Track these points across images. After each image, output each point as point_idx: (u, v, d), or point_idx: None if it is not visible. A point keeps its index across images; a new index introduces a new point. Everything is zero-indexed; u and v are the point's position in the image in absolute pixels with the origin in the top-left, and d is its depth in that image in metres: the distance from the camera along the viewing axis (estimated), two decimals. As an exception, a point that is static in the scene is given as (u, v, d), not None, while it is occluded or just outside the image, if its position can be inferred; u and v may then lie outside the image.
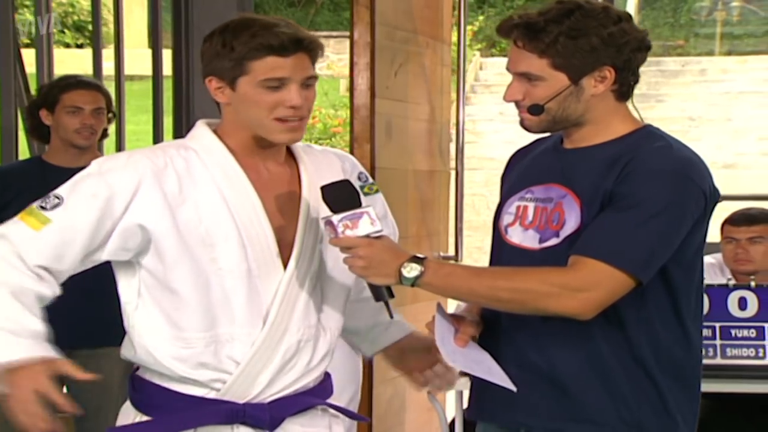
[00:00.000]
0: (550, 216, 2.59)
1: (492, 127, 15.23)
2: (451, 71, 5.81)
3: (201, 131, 2.61)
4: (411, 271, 2.46)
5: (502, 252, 2.67)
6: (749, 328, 4.17)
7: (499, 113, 15.10)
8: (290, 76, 2.51)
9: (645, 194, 2.49)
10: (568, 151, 2.65)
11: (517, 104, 2.61)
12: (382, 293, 2.51)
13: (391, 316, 2.54)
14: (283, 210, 2.58)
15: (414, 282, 2.47)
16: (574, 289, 2.47)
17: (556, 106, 2.57)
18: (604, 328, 2.53)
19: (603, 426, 2.57)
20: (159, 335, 2.53)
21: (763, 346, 4.16)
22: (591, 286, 2.47)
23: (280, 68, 2.51)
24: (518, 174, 2.74)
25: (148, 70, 6.08)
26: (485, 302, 2.56)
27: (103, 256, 2.53)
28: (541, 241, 2.60)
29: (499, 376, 2.54)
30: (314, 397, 2.64)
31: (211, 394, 2.54)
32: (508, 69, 2.62)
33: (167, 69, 5.80)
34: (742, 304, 4.18)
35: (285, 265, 2.55)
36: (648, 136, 2.60)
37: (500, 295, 2.50)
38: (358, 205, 2.48)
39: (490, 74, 16.94)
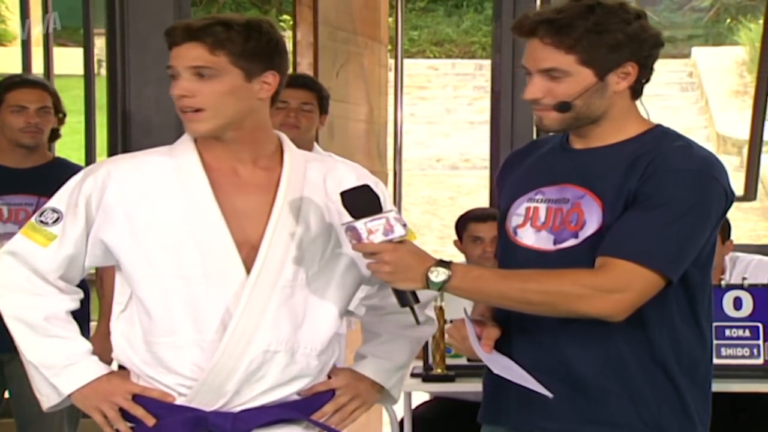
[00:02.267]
0: (567, 217, 2.56)
1: (403, 128, 15.27)
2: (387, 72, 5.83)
3: (184, 135, 2.58)
4: (438, 275, 2.43)
5: (514, 254, 2.63)
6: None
7: (410, 114, 15.13)
8: (175, 65, 2.49)
9: (671, 194, 2.48)
10: (580, 151, 2.63)
11: (536, 102, 2.57)
12: (407, 299, 2.47)
13: (418, 322, 2.51)
14: (253, 215, 2.52)
15: (441, 286, 2.43)
16: (606, 290, 2.45)
17: (581, 103, 2.55)
18: (625, 329, 2.51)
19: (623, 428, 2.55)
20: (133, 337, 2.54)
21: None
22: (623, 287, 2.45)
23: (171, 58, 2.50)
24: (522, 175, 2.70)
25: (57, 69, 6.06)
26: (515, 305, 2.51)
27: (88, 262, 2.58)
28: (555, 242, 2.57)
29: (533, 383, 2.52)
30: (294, 410, 2.57)
31: (180, 400, 2.52)
32: (525, 66, 2.58)
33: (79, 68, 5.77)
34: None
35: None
36: (664, 135, 2.60)
37: (531, 298, 2.47)
38: (380, 209, 2.43)
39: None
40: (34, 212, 4.29)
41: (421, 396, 4.81)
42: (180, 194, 2.51)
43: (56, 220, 2.54)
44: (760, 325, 4.09)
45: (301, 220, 2.55)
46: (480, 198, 12.34)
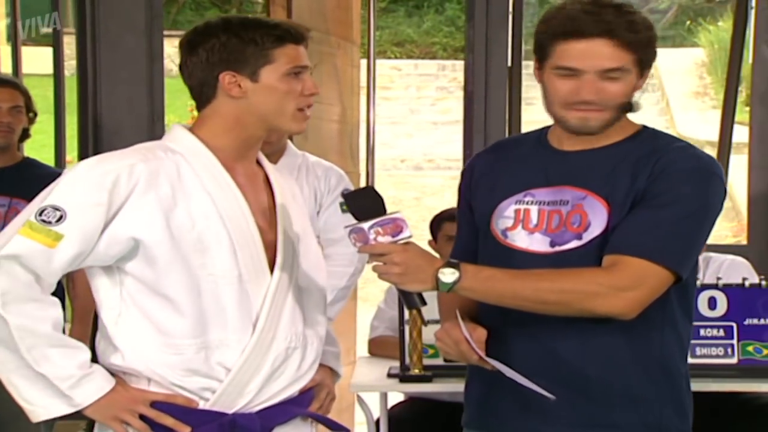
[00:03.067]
0: (568, 218, 2.54)
1: (375, 128, 15.26)
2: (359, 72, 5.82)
3: (181, 134, 2.53)
4: (449, 275, 2.41)
5: (507, 257, 2.59)
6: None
7: (373, 115, 15.16)
8: (307, 64, 2.52)
9: (680, 192, 2.50)
10: (573, 153, 2.60)
11: (586, 103, 2.51)
12: (414, 301, 2.45)
13: (425, 324, 2.51)
14: (263, 213, 2.54)
15: (452, 287, 2.41)
16: (621, 288, 2.44)
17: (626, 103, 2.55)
18: (628, 329, 2.51)
19: (625, 429, 2.54)
20: (147, 341, 2.46)
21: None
22: (635, 284, 2.44)
23: (300, 56, 2.51)
24: (503, 177, 2.66)
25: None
26: (528, 305, 2.48)
27: (88, 261, 2.45)
28: (553, 244, 2.55)
29: (534, 385, 2.49)
30: (298, 406, 2.59)
31: (201, 405, 2.49)
32: (571, 67, 2.50)
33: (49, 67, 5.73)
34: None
35: (271, 270, 2.51)
36: (658, 135, 2.61)
37: (546, 297, 2.45)
38: (384, 211, 2.42)
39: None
40: (6, 213, 4.27)
41: (395, 396, 4.81)
42: (205, 192, 2.47)
43: (60, 219, 2.39)
44: (734, 325, 4.12)
45: (291, 217, 2.58)
46: (445, 198, 12.35)
